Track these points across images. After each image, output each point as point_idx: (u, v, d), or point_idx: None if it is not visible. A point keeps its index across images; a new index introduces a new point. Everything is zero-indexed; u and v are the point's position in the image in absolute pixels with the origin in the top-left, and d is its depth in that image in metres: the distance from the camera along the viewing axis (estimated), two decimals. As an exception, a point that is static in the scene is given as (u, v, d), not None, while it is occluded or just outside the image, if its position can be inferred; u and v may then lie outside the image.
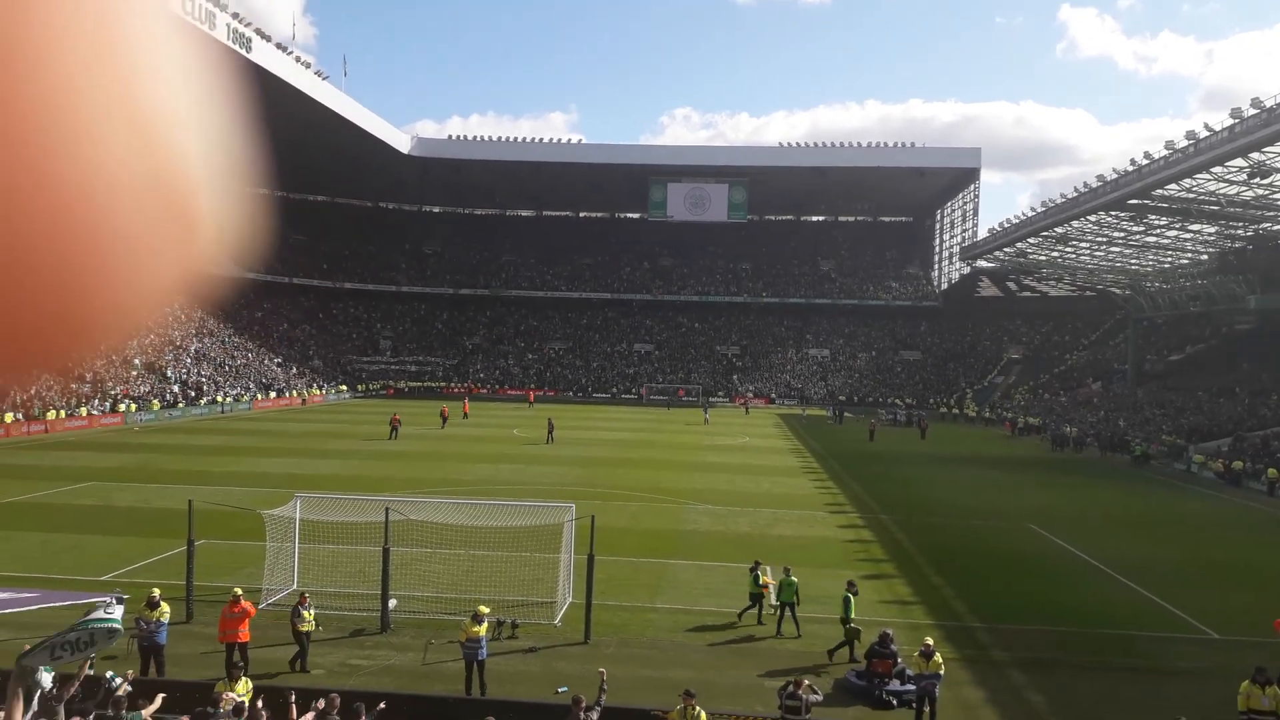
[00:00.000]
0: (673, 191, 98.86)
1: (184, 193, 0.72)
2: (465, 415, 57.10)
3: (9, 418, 44.27)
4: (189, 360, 65.55)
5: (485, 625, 14.14)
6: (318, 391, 74.28)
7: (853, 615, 16.22)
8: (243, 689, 11.56)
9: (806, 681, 12.38)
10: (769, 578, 17.69)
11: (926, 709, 13.41)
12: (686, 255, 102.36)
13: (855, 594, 16.57)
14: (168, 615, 14.03)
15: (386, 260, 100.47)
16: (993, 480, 39.25)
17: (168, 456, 38.11)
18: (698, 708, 11.43)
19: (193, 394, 60.16)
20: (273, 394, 68.17)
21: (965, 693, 14.73)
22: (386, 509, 17.12)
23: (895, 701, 14.10)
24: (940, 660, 13.63)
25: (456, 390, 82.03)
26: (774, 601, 17.35)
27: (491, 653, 14.44)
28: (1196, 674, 15.72)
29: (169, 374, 61.16)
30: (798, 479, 37.17)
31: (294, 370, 76.80)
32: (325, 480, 31.56)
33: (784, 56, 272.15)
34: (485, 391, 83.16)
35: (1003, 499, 33.98)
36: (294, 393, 70.97)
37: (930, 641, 14.02)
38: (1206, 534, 29.10)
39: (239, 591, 14.58)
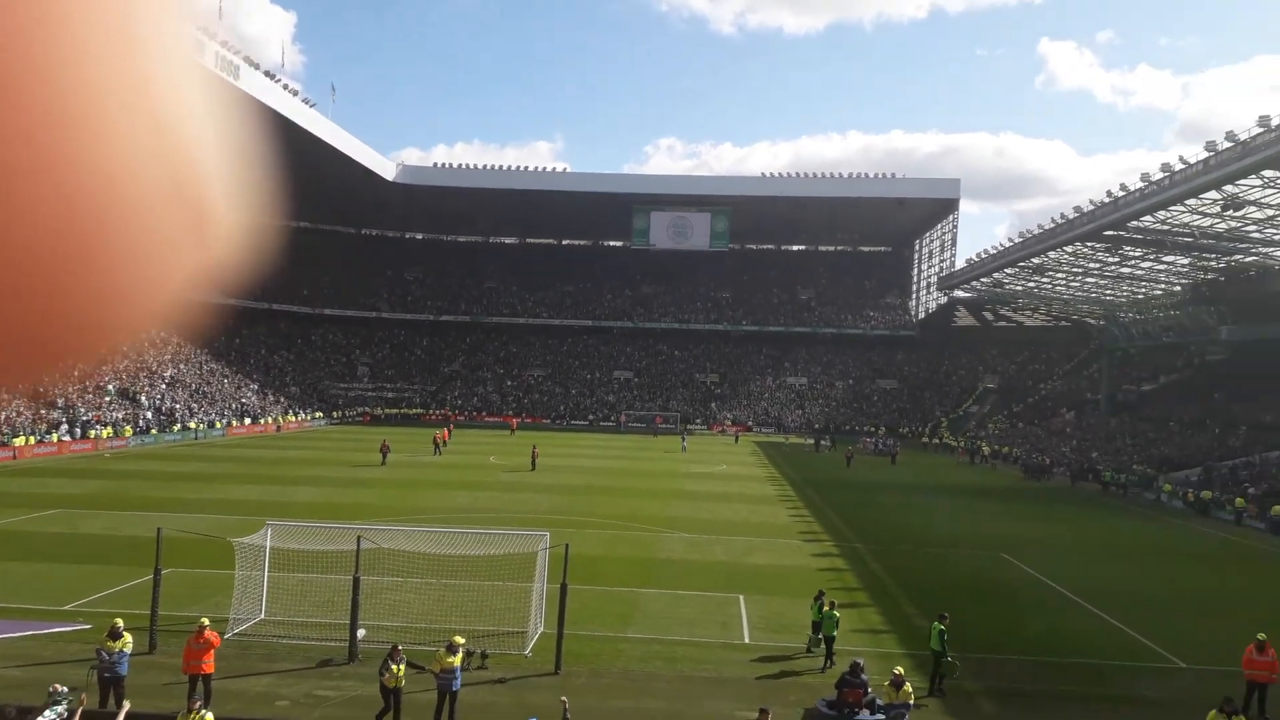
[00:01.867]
0: (656, 220, 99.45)
1: (197, 196, 0.78)
2: (445, 443, 56.43)
3: (-23, 443, 43.64)
4: (163, 386, 64.96)
5: (460, 655, 14.04)
6: (293, 418, 73.76)
7: (945, 648, 15.99)
8: (206, 720, 11.39)
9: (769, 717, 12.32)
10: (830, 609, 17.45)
11: (895, 739, 13.41)
12: (668, 283, 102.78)
13: (945, 624, 16.35)
14: (130, 646, 13.83)
15: (367, 286, 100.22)
16: (966, 508, 39.43)
17: (138, 483, 37.66)
18: None
19: (165, 420, 59.58)
20: (247, 420, 67.62)
21: (935, 723, 14.72)
22: (358, 537, 17.00)
23: (865, 731, 14.07)
24: (910, 690, 13.65)
25: (434, 418, 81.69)
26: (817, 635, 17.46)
27: (462, 683, 14.31)
28: (1164, 704, 15.79)
29: (143, 400, 60.58)
30: (774, 507, 37.18)
31: (270, 397, 76.27)
32: (298, 508, 31.27)
33: (768, 87, 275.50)
34: (463, 418, 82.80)
35: (976, 527, 34.13)
36: (269, 419, 70.42)
37: (900, 671, 14.05)
38: (1175, 563, 29.35)
39: (205, 621, 14.42)
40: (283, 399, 77.62)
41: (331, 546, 19.47)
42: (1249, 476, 42.98)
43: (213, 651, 14.05)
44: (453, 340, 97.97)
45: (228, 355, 79.84)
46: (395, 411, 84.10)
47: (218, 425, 63.28)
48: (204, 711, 11.40)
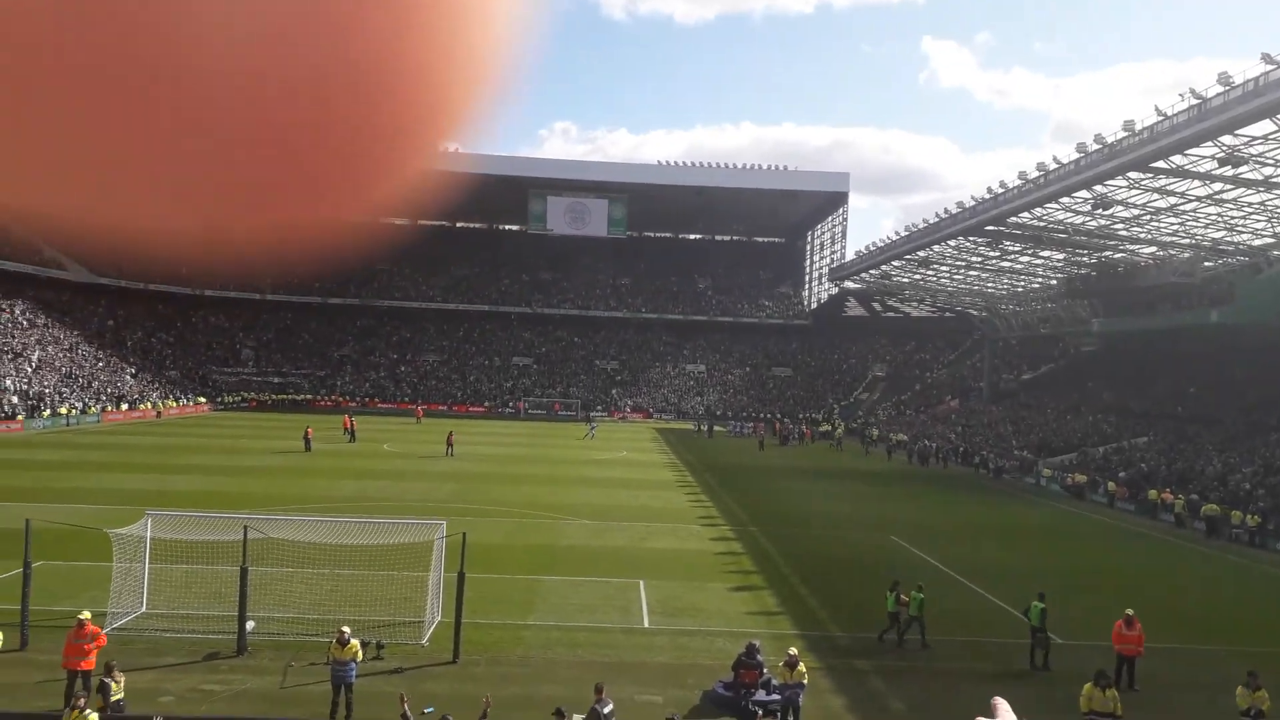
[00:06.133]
0: (553, 205, 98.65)
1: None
2: (346, 429, 53.72)
3: None
4: (29, 369, 61.21)
5: (353, 645, 13.72)
6: (174, 404, 70.56)
7: (1044, 625, 17.01)
8: (93, 720, 10.84)
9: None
10: (908, 596, 18.19)
11: (791, 718, 13.74)
12: (566, 269, 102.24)
13: (1044, 602, 17.32)
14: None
15: (251, 267, 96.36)
16: (858, 493, 40.67)
17: (3, 472, 35.42)
18: None
19: (34, 405, 56.18)
20: (124, 406, 64.33)
21: (828, 700, 15.16)
22: (245, 527, 16.40)
23: (760, 711, 14.33)
24: (804, 670, 14.00)
25: (326, 404, 79.46)
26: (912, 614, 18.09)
27: (358, 674, 14.00)
28: (1043, 678, 16.64)
29: (7, 384, 56.95)
30: (673, 492, 37.58)
31: (149, 381, 72.75)
32: (180, 497, 29.98)
33: (662, 75, 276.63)
34: (355, 405, 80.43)
35: (867, 511, 35.24)
36: (148, 405, 67.17)
37: (794, 651, 14.39)
38: (1052, 543, 30.95)
39: (87, 615, 13.74)
40: (162, 383, 74.14)
41: (216, 536, 18.69)
42: (1120, 461, 45.62)
43: (97, 647, 13.40)
44: (343, 324, 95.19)
45: (102, 338, 75.75)
46: (283, 397, 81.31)
47: (91, 411, 60.01)
48: (88, 711, 10.82)
